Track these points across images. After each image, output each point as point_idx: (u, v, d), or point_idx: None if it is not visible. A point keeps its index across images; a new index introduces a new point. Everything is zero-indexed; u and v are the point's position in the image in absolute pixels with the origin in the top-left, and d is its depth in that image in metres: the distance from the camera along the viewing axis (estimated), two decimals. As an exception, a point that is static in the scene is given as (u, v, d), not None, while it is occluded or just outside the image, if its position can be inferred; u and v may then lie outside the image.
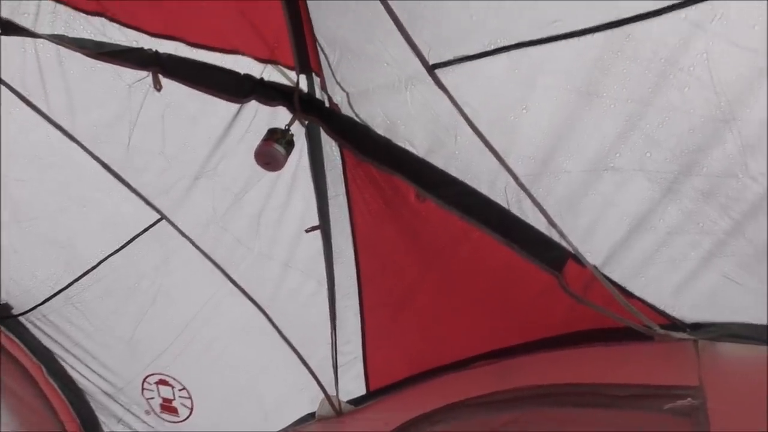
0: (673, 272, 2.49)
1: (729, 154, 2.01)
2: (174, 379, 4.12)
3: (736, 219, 2.16)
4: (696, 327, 2.64)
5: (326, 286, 3.40)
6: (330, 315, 3.50)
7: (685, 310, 2.64)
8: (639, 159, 2.19)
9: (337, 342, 3.61)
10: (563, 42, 2.02)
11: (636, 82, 2.02)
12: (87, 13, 2.65)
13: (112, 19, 2.65)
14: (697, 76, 1.90)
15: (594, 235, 2.54)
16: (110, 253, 3.61)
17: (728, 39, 1.78)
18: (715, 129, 1.98)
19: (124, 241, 3.55)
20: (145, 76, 2.80)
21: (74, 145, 3.17)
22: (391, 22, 2.22)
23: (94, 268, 3.70)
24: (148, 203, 3.32)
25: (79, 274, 3.77)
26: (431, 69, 2.31)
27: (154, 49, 2.72)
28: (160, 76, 2.78)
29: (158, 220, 3.40)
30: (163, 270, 3.62)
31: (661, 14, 1.81)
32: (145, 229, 3.46)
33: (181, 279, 3.64)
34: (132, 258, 3.60)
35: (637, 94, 2.04)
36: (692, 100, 1.96)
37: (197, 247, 3.44)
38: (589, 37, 1.98)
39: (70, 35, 2.73)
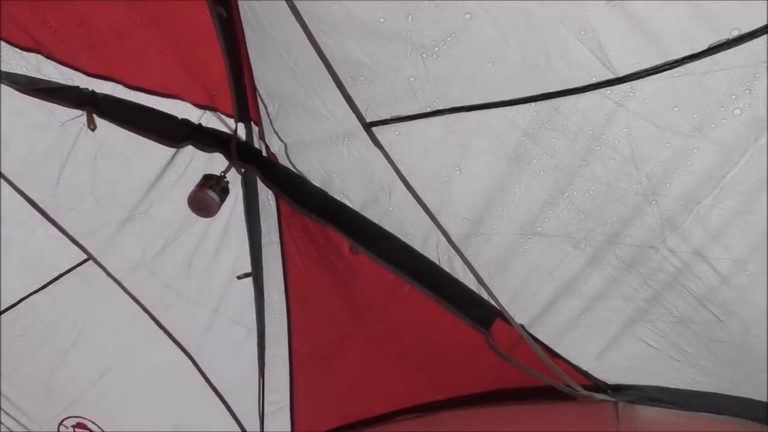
0: (597, 335, 2.55)
1: (649, 226, 2.09)
2: (93, 422, 3.96)
3: (655, 288, 2.23)
4: (617, 389, 2.71)
5: (255, 335, 3.35)
6: (258, 363, 3.45)
7: (607, 372, 2.71)
8: (565, 226, 2.25)
9: (265, 390, 3.56)
10: (495, 110, 2.07)
11: (563, 153, 2.07)
12: (22, 48, 2.57)
13: (48, 57, 2.60)
14: (620, 151, 1.96)
15: (522, 296, 2.58)
16: (32, 291, 3.46)
17: (647, 119, 1.86)
18: (636, 202, 2.05)
19: (47, 280, 3.41)
20: (79, 115, 2.74)
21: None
22: (331, 79, 2.25)
23: (13, 306, 3.53)
24: (75, 242, 3.21)
25: (-3, 312, 3.61)
26: (368, 126, 2.33)
27: (90, 89, 2.67)
28: (95, 116, 2.72)
29: (85, 260, 3.29)
30: (86, 311, 3.49)
31: (586, 91, 1.88)
32: (71, 269, 3.34)
33: (105, 321, 3.51)
34: (54, 298, 3.45)
35: (564, 163, 2.09)
36: (615, 174, 2.02)
37: (124, 290, 3.34)
38: (519, 107, 2.03)
39: (4, 70, 2.66)
